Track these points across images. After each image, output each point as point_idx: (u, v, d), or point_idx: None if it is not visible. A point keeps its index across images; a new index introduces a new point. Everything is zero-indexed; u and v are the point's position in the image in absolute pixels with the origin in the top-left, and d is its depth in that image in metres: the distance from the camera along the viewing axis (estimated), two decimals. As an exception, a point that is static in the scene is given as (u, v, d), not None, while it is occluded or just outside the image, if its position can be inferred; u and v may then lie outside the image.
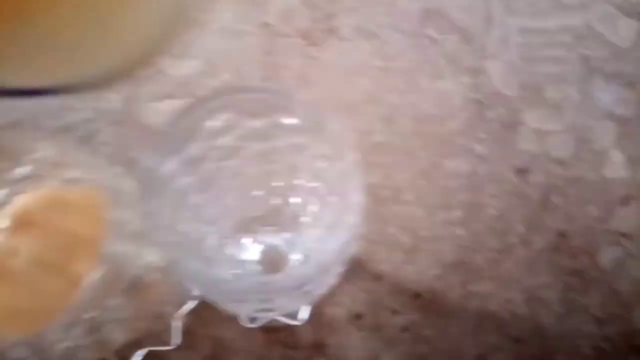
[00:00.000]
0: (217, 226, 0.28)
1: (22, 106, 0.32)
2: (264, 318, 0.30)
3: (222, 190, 0.28)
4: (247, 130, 0.24)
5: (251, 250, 0.30)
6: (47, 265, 0.22)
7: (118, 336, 0.25)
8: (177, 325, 0.29)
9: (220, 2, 0.39)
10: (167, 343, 0.29)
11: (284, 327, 0.30)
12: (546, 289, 0.31)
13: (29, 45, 0.17)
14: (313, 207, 0.27)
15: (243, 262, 0.28)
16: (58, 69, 0.17)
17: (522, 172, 0.34)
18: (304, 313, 0.30)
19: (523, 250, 0.32)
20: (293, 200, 0.28)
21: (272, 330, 0.30)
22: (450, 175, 0.34)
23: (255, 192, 0.29)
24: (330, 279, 0.25)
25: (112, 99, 0.34)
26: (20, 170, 0.23)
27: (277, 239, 0.30)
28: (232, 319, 0.30)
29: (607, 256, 0.32)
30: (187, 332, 0.29)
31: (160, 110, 0.35)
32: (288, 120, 0.22)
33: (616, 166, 0.35)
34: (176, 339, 0.29)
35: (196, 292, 0.28)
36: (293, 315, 0.30)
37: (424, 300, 0.31)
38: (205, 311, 0.30)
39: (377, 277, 0.32)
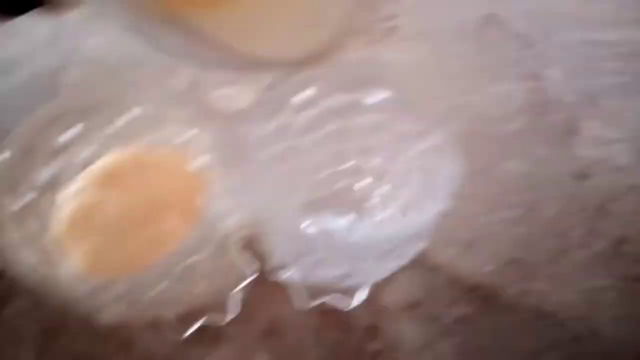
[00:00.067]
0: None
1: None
2: (320, 298, 0.30)
3: (292, 169, 0.28)
4: (328, 106, 0.24)
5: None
6: (135, 219, 0.23)
7: (199, 292, 0.26)
8: (235, 297, 0.29)
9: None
10: (223, 314, 0.29)
11: (339, 310, 0.30)
12: (605, 292, 0.31)
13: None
14: (384, 189, 0.27)
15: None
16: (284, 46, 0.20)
17: (580, 176, 0.34)
18: (360, 296, 0.30)
19: (581, 253, 0.32)
20: (361, 183, 0.29)
21: (326, 312, 0.30)
22: (509, 175, 0.34)
23: (323, 173, 0.29)
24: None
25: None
26: (113, 127, 0.24)
27: (339, 223, 0.30)
28: (288, 298, 0.30)
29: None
30: (243, 307, 0.30)
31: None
32: (375, 95, 0.23)
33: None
34: (234, 311, 0.29)
35: (277, 257, 0.28)
36: (348, 298, 0.30)
37: (480, 295, 0.31)
38: (262, 288, 0.30)
39: (434, 268, 0.32)
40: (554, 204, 0.33)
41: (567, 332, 0.30)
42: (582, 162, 0.34)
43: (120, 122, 0.25)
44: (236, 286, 0.29)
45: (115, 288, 0.20)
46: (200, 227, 0.21)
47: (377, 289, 0.30)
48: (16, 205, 0.20)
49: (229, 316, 0.29)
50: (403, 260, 0.25)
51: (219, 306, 0.29)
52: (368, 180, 0.28)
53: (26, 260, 0.20)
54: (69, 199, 0.23)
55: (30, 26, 0.38)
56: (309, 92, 0.23)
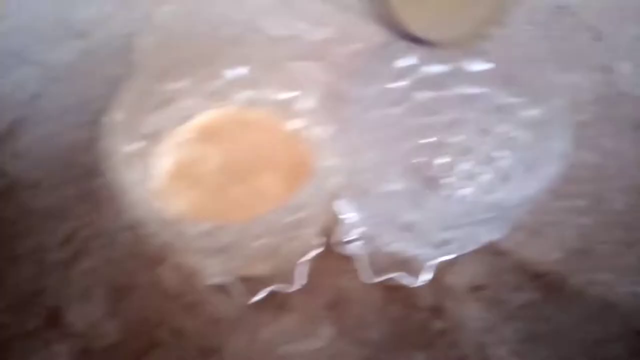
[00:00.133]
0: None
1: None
2: (386, 274, 0.30)
3: (378, 139, 0.28)
4: (423, 75, 0.24)
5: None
6: (232, 174, 0.23)
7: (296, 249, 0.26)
8: (303, 267, 0.29)
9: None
10: (290, 284, 0.29)
11: (404, 287, 0.30)
12: (672, 287, 0.30)
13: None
14: (465, 166, 0.27)
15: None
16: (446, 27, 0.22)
17: (650, 171, 0.34)
18: (426, 275, 0.30)
19: (648, 247, 0.32)
20: (440, 160, 0.28)
21: (391, 288, 0.30)
22: (577, 165, 0.34)
23: (403, 146, 0.29)
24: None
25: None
26: (214, 83, 0.24)
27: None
28: (354, 272, 0.30)
29: None
30: (310, 278, 0.30)
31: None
32: (476, 67, 0.23)
33: None
34: (301, 280, 0.29)
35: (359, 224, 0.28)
36: (413, 276, 0.30)
37: (545, 282, 0.31)
38: (328, 261, 0.30)
39: (499, 253, 0.31)
40: (622, 197, 0.33)
41: (633, 324, 0.30)
42: (652, 157, 0.34)
43: (225, 78, 0.24)
44: (303, 256, 0.29)
45: (219, 235, 0.20)
46: (299, 186, 0.21)
47: (442, 270, 0.30)
48: (128, 149, 0.21)
49: (296, 286, 0.29)
50: (496, 235, 0.25)
51: (287, 275, 0.29)
52: (445, 159, 0.27)
53: (136, 197, 0.20)
54: (172, 150, 0.23)
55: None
56: (410, 60, 0.23)
